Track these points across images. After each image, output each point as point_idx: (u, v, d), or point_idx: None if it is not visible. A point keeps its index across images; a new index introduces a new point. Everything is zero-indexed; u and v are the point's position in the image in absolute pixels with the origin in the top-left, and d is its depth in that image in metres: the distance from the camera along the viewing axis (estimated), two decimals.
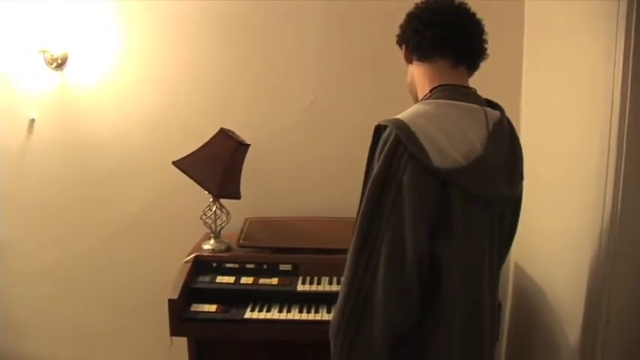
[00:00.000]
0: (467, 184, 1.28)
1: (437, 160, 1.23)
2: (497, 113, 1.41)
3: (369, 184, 1.26)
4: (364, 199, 1.27)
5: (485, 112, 1.37)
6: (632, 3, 1.47)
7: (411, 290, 1.26)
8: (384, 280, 1.24)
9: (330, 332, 1.32)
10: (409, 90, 1.54)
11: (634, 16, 1.48)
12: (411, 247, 1.23)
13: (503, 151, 1.38)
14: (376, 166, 1.26)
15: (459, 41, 1.42)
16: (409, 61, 1.50)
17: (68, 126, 2.70)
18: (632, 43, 1.49)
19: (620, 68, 1.51)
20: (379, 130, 1.31)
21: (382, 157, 1.25)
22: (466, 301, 1.33)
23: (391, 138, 1.25)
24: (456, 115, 1.32)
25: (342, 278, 1.30)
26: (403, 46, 1.50)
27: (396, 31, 1.52)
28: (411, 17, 1.46)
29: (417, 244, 1.23)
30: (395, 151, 1.24)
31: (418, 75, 1.47)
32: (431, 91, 1.41)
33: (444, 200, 1.26)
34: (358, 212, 1.32)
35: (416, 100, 1.49)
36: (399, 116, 1.29)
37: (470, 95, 1.41)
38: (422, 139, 1.23)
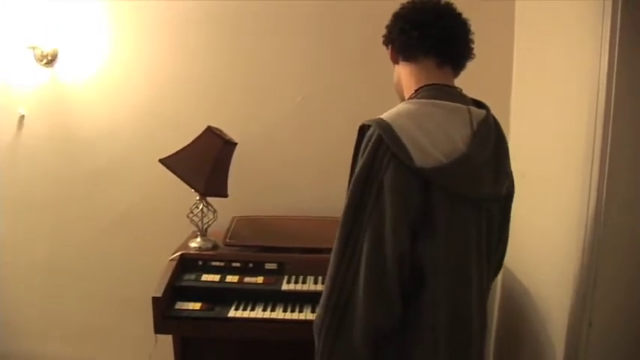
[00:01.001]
0: (449, 183, 1.28)
1: (418, 160, 1.23)
2: (482, 112, 1.40)
3: (351, 184, 1.27)
4: (346, 199, 1.27)
5: (469, 110, 1.37)
6: (617, 3, 1.47)
7: (391, 291, 1.26)
8: (365, 281, 1.24)
9: (314, 330, 1.32)
10: (396, 90, 1.54)
11: (619, 16, 1.48)
12: (392, 247, 1.23)
13: (488, 150, 1.37)
14: (358, 165, 1.26)
15: (445, 41, 1.42)
16: (395, 61, 1.50)
17: (58, 122, 2.70)
18: (617, 41, 1.49)
19: (605, 69, 1.51)
20: (363, 129, 1.32)
21: (364, 156, 1.25)
22: (450, 300, 1.32)
23: (374, 137, 1.25)
24: (440, 115, 1.32)
25: (326, 277, 1.30)
26: (389, 47, 1.49)
27: (385, 31, 1.52)
28: (397, 17, 1.46)
29: (397, 243, 1.23)
30: (377, 151, 1.24)
31: (404, 75, 1.47)
32: (416, 90, 1.41)
33: (426, 199, 1.26)
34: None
35: (402, 101, 1.48)
36: (382, 116, 1.29)
37: (455, 95, 1.41)
38: (404, 139, 1.23)
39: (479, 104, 1.45)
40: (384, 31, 1.52)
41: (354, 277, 1.25)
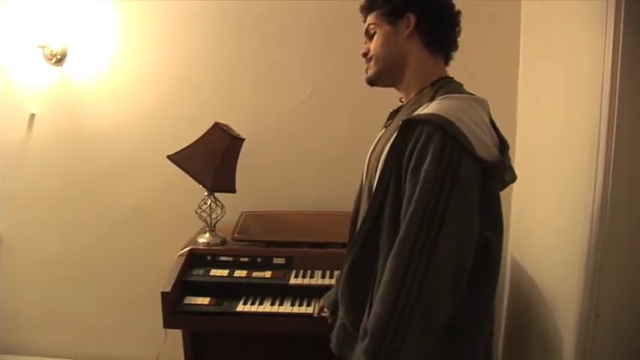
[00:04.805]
0: (503, 174, 1.34)
1: (481, 152, 1.24)
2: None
3: (420, 183, 1.21)
4: (416, 198, 1.21)
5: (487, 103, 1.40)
6: (620, 3, 1.47)
7: (463, 281, 1.25)
8: (440, 276, 1.20)
9: (371, 341, 1.22)
10: (384, 59, 1.46)
11: (622, 15, 1.48)
12: (471, 239, 1.24)
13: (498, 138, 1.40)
14: (425, 165, 1.21)
15: (456, 44, 1.46)
16: (410, 35, 1.41)
17: (67, 121, 2.74)
18: (620, 40, 1.49)
19: (609, 65, 1.51)
20: (409, 125, 1.27)
21: (430, 153, 1.21)
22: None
23: (437, 134, 1.22)
24: (478, 108, 1.33)
25: (387, 280, 1.22)
26: (410, 16, 1.40)
27: None
28: (441, 2, 1.43)
29: (475, 234, 1.25)
30: (444, 146, 1.21)
31: (420, 61, 1.43)
32: (432, 85, 1.40)
33: (486, 189, 1.27)
34: (369, 209, 1.33)
35: (389, 75, 1.47)
36: (436, 112, 1.25)
37: (462, 87, 1.42)
38: (466, 133, 1.23)
39: None
40: None
41: (424, 277, 1.19)
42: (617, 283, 1.58)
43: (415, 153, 1.23)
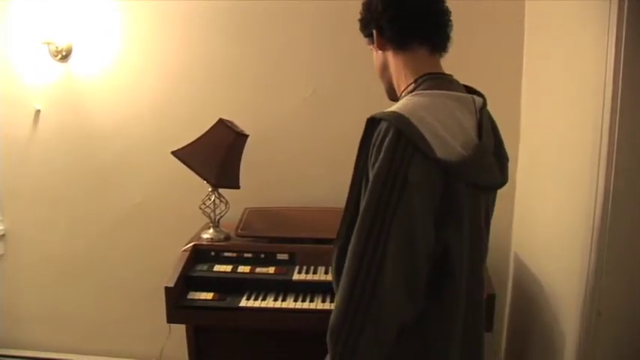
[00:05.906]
0: (470, 175, 1.27)
1: (440, 152, 1.20)
2: (480, 100, 1.39)
3: (370, 181, 1.20)
4: (367, 196, 1.20)
5: (473, 99, 1.35)
6: (623, 3, 1.48)
7: (420, 284, 1.23)
8: (394, 277, 1.19)
9: (331, 333, 1.23)
10: (380, 77, 1.48)
11: (625, 15, 1.48)
12: (422, 241, 1.21)
13: (490, 138, 1.37)
14: (377, 162, 1.20)
15: (439, 28, 1.39)
16: (381, 48, 1.42)
17: (73, 117, 2.75)
18: (622, 39, 1.49)
19: (612, 65, 1.52)
20: (373, 122, 1.26)
21: (383, 152, 1.19)
22: (468, 289, 1.32)
23: (391, 132, 1.19)
24: (452, 106, 1.29)
25: (343, 276, 1.21)
26: (374, 31, 1.41)
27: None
28: (386, 3, 1.39)
29: (427, 237, 1.21)
30: (396, 146, 1.18)
31: (396, 64, 1.42)
32: (415, 81, 1.37)
33: (448, 191, 1.23)
34: (347, 204, 1.31)
35: (390, 89, 1.47)
36: (395, 109, 1.24)
37: (454, 83, 1.38)
38: (424, 132, 1.19)
39: (469, 90, 1.42)
40: None
41: (377, 275, 1.18)
42: (619, 282, 1.59)
43: (374, 151, 1.22)
